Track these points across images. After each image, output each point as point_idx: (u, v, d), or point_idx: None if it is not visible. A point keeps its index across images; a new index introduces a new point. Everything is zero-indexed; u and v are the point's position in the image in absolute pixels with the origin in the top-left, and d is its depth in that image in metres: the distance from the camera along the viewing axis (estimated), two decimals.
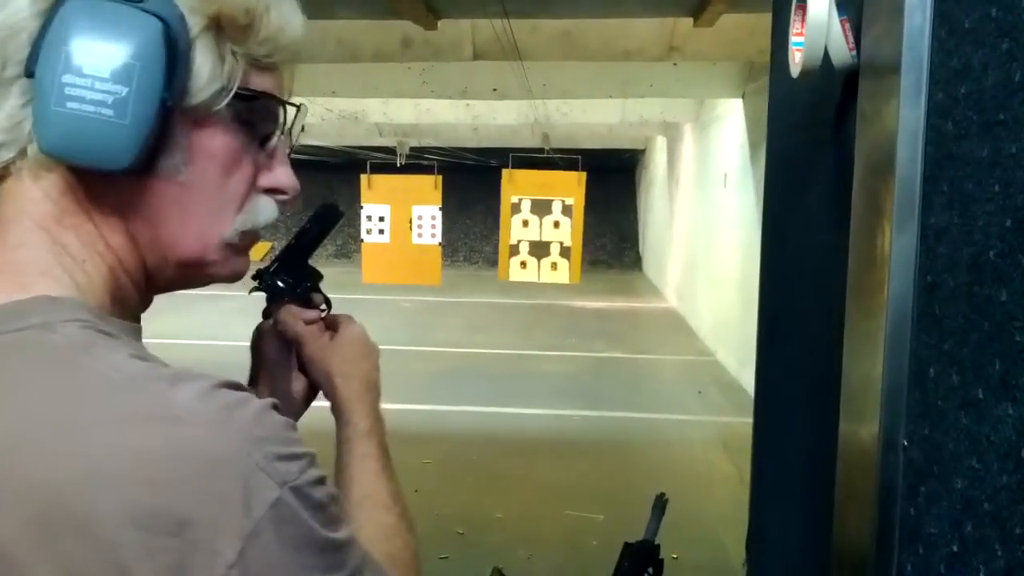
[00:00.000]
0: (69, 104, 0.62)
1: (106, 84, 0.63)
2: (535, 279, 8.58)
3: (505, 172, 8.44)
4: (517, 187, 8.37)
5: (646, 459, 5.73)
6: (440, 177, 8.45)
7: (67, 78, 0.62)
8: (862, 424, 0.85)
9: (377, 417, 0.95)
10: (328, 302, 1.05)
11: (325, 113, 10.27)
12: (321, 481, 0.63)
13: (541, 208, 8.35)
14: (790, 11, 1.07)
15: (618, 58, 6.34)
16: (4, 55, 0.64)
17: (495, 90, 7.88)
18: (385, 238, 8.47)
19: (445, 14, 5.40)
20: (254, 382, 1.02)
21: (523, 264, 8.50)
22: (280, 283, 1.02)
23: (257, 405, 0.62)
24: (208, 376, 0.63)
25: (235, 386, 0.63)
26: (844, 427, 0.91)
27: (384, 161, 11.26)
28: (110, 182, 0.67)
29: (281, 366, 1.01)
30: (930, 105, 0.78)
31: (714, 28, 5.60)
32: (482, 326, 11.16)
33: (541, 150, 11.57)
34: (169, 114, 0.66)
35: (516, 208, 8.37)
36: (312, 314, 1.02)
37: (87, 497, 0.57)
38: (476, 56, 6.10)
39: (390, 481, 0.89)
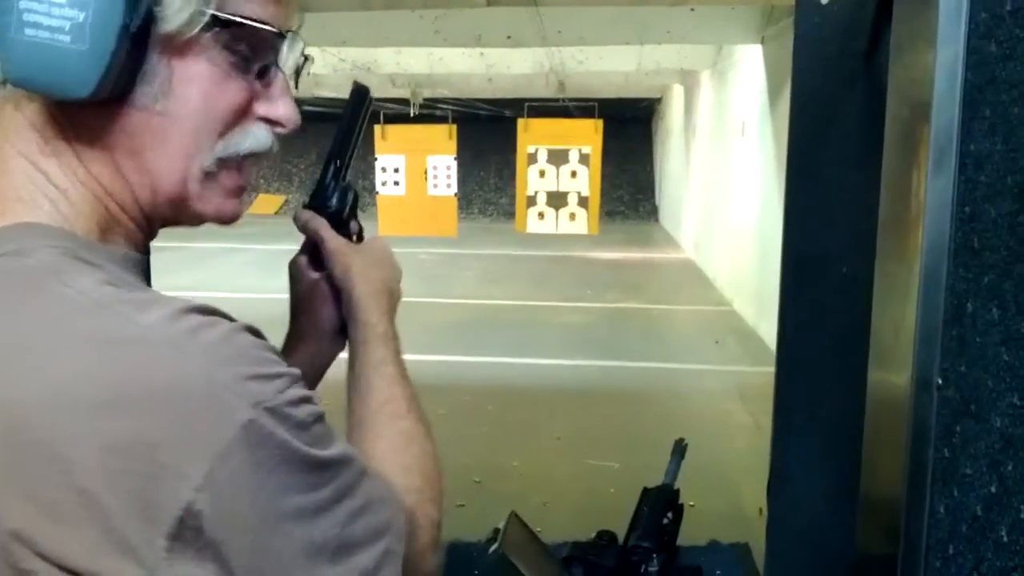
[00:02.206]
0: (27, 31, 0.61)
1: (63, 9, 0.61)
2: (553, 230, 8.51)
3: (521, 121, 8.34)
4: (533, 136, 8.27)
5: (663, 409, 5.72)
6: (455, 126, 8.37)
7: (24, 3, 0.60)
8: (893, 362, 0.82)
9: (392, 322, 0.92)
10: (361, 232, 1.01)
11: (337, 64, 10.16)
12: (305, 400, 0.62)
13: (558, 158, 8.25)
14: None
15: (634, 2, 6.20)
16: None
17: (509, 38, 7.75)
18: (400, 190, 8.41)
19: None
20: (294, 316, 0.99)
21: (541, 215, 8.43)
22: (325, 206, 0.97)
23: (226, 327, 0.61)
24: (180, 300, 0.61)
25: (207, 310, 0.62)
26: (874, 366, 0.88)
27: (398, 112, 11.16)
28: (88, 112, 0.65)
29: (316, 297, 0.98)
30: (971, 26, 0.74)
31: None
32: (498, 278, 11.14)
33: (557, 100, 11.43)
34: (140, 41, 0.63)
35: (532, 158, 8.28)
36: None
37: (49, 420, 0.56)
38: (490, 2, 5.98)
39: (406, 387, 0.87)
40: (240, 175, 0.74)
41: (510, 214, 16.08)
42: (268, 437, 0.58)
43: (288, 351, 0.98)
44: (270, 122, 0.73)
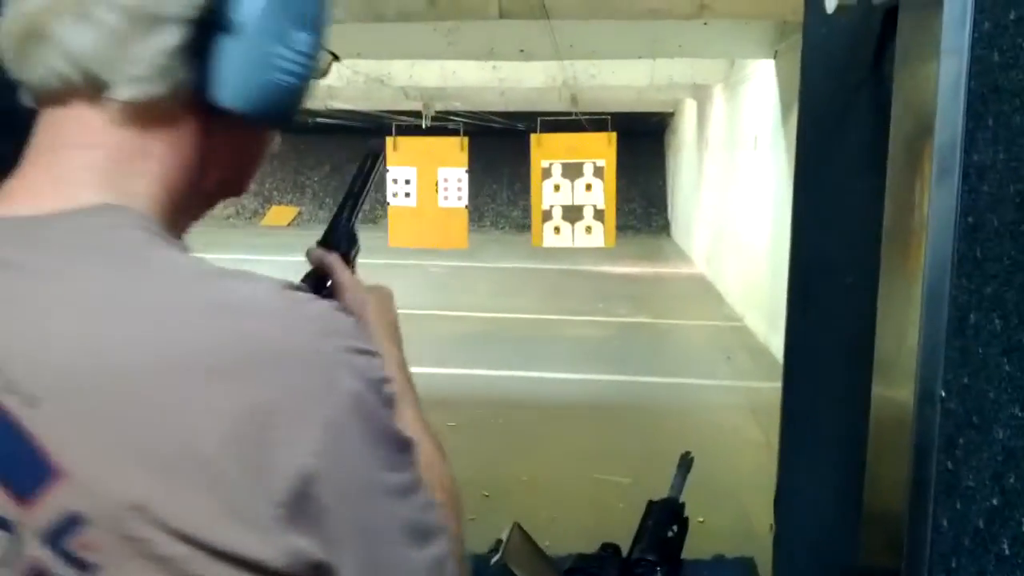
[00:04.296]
0: (277, 75, 0.66)
1: (301, 57, 0.67)
2: (570, 244, 8.48)
3: (534, 137, 8.34)
4: (547, 151, 8.26)
5: (673, 424, 5.69)
6: (467, 139, 8.37)
7: (280, 50, 0.65)
8: (896, 375, 0.82)
9: (402, 351, 0.94)
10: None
11: (351, 76, 10.20)
12: (389, 380, 0.63)
13: (572, 171, 8.25)
14: None
15: (646, 16, 6.21)
16: None
17: (522, 51, 7.77)
18: (411, 201, 8.42)
19: None
20: None
21: (557, 229, 8.40)
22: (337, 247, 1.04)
23: (326, 303, 0.63)
24: (275, 278, 0.64)
25: (303, 289, 0.65)
26: (878, 378, 0.88)
27: (410, 124, 11.19)
28: (240, 134, 0.70)
29: None
30: (975, 35, 0.73)
31: None
32: (509, 290, 11.13)
33: (569, 114, 11.44)
34: None
35: (547, 173, 8.27)
36: None
37: (165, 386, 0.56)
38: (502, 15, 6.00)
39: (420, 411, 0.87)
40: None
41: (522, 227, 16.07)
42: (372, 411, 0.60)
43: None
44: None
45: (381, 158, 1.10)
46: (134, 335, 0.57)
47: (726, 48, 8.33)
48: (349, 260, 1.03)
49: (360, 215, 1.06)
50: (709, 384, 6.85)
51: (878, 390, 0.88)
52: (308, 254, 1.00)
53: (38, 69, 0.63)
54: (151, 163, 0.66)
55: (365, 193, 1.07)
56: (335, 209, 1.04)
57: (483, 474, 4.71)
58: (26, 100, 0.65)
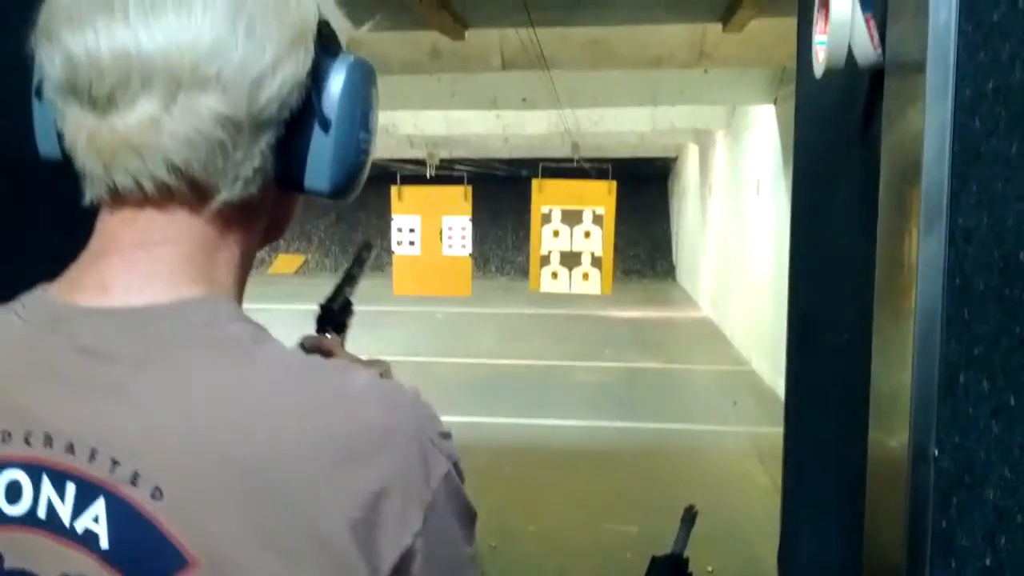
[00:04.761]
0: (359, 157, 0.70)
1: (369, 135, 0.72)
2: (566, 290, 8.52)
3: (535, 182, 8.41)
4: (547, 197, 8.33)
5: (681, 470, 5.66)
6: (470, 188, 8.45)
7: (362, 135, 0.70)
8: (891, 433, 0.83)
9: None
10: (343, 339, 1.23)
11: None
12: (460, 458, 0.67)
13: (572, 218, 8.31)
14: (815, 11, 1.05)
15: (648, 65, 6.31)
16: (267, 100, 0.64)
17: (524, 100, 7.88)
18: (416, 250, 8.47)
19: (472, 24, 5.41)
20: None
21: (554, 275, 8.45)
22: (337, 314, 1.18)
23: (414, 389, 0.66)
24: (365, 369, 0.68)
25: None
26: (873, 436, 0.88)
27: (414, 172, 11.29)
28: (291, 200, 0.73)
29: None
30: (957, 102, 0.75)
31: (744, 33, 5.57)
32: (514, 336, 11.14)
33: (571, 160, 11.54)
34: None
35: (546, 218, 8.34)
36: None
37: (291, 474, 0.59)
38: (505, 66, 6.10)
39: None
40: None
41: (527, 273, 16.11)
42: (458, 489, 0.65)
43: None
44: None
45: (372, 250, 1.29)
46: (250, 424, 0.60)
47: (726, 95, 8.44)
48: (347, 326, 1.15)
49: (356, 285, 1.21)
50: (716, 430, 6.82)
51: (874, 448, 0.89)
52: (303, 344, 1.02)
53: (129, 176, 0.63)
54: (231, 250, 0.69)
55: (361, 275, 1.24)
56: (333, 290, 1.17)
57: (490, 524, 4.67)
58: (92, 196, 0.65)
